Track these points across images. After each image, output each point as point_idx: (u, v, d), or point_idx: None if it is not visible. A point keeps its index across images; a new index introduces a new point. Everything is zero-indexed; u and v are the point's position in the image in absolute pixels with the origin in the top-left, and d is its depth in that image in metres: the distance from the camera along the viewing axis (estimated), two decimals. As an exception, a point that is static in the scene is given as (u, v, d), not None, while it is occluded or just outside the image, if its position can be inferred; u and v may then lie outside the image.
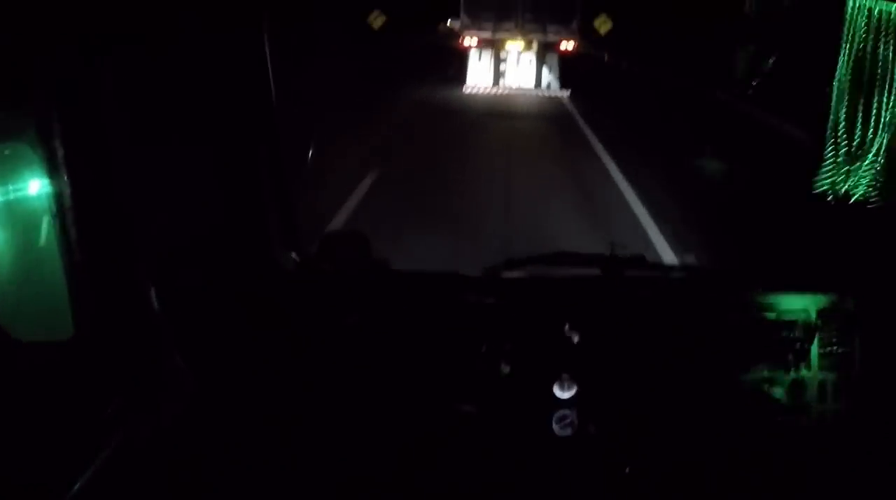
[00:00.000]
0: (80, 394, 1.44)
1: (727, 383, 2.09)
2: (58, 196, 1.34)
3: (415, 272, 2.24)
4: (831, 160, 2.23)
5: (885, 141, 2.16)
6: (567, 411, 2.01)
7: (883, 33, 2.10)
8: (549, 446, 2.03)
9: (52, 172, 1.33)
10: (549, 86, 20.73)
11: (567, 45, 20.34)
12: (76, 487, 1.28)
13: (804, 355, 2.13)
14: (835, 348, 2.16)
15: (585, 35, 20.81)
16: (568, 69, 20.68)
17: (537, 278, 2.29)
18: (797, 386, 2.12)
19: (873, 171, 2.20)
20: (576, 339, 2.04)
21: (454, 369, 2.02)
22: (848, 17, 2.13)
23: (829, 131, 2.22)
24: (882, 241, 2.26)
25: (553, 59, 20.78)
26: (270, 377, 1.95)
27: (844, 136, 2.20)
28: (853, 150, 2.22)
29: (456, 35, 21.60)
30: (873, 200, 2.21)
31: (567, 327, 2.04)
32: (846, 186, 2.25)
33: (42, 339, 1.43)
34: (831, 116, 2.22)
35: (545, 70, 20.75)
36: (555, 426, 2.02)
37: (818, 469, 2.08)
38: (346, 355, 2.02)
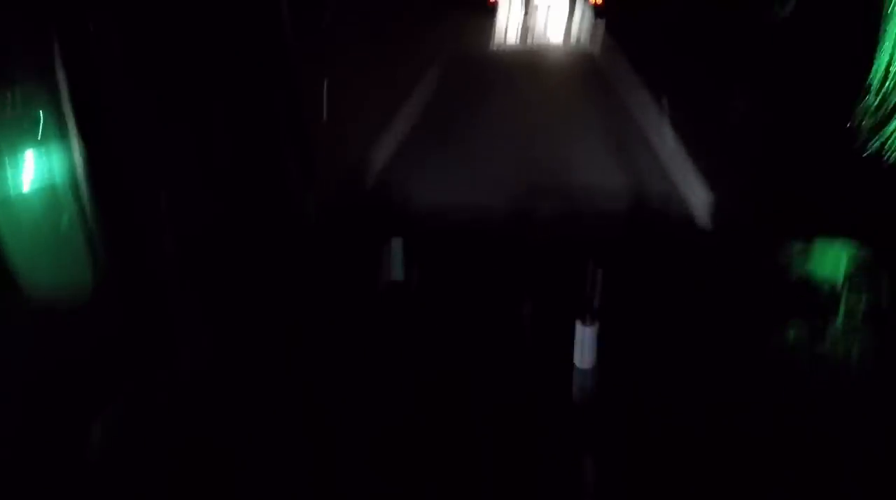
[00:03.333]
0: (99, 342, 1.47)
1: (752, 329, 2.10)
2: (71, 143, 1.36)
3: (435, 205, 2.24)
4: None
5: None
6: (586, 378, 2.03)
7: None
8: (569, 377, 2.04)
9: (66, 116, 1.35)
10: (578, 40, 20.53)
11: None
12: (88, 431, 1.31)
13: (832, 310, 2.13)
14: (862, 299, 2.15)
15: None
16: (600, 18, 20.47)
17: (563, 213, 2.30)
18: (823, 336, 2.11)
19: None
20: (601, 277, 2.05)
21: (474, 307, 2.04)
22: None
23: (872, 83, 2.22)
24: None
25: (583, 6, 20.60)
26: (287, 329, 1.97)
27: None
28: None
29: None
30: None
31: (591, 264, 2.05)
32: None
33: (61, 289, 1.45)
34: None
35: (575, 23, 20.57)
36: (575, 392, 2.03)
37: (838, 421, 2.08)
38: (365, 302, 2.04)
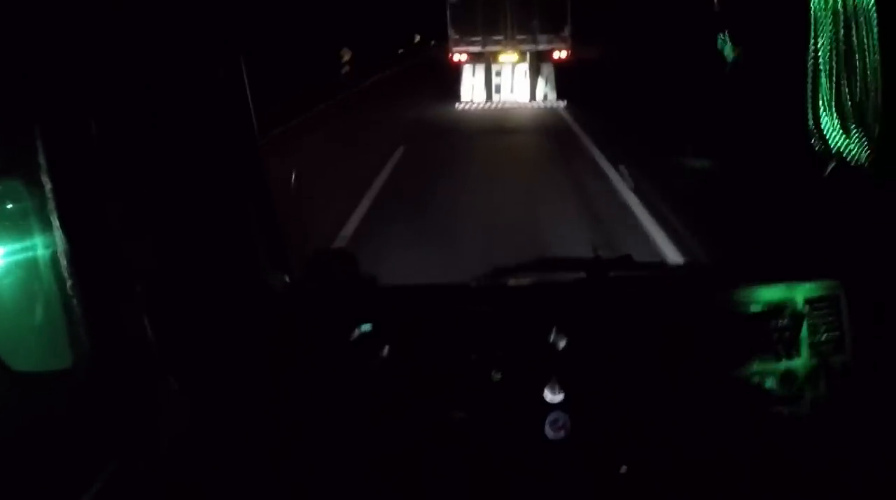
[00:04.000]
0: (79, 421, 1.54)
1: (718, 377, 2.17)
2: (51, 230, 1.43)
3: (403, 286, 2.34)
4: (829, 128, 2.31)
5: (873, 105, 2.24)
6: (559, 414, 2.11)
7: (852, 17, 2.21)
8: (543, 449, 2.12)
9: (44, 206, 1.42)
10: (545, 97, 20.59)
11: (560, 54, 20.19)
12: None
13: (794, 344, 2.21)
14: (824, 334, 2.24)
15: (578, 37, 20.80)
16: (563, 77, 20.50)
17: (524, 284, 2.39)
18: (789, 375, 2.20)
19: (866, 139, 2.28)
20: (562, 343, 2.14)
21: (446, 378, 2.12)
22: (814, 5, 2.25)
23: (821, 99, 2.31)
24: (863, 225, 2.34)
25: (548, 68, 20.60)
26: (265, 397, 2.04)
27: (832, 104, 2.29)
28: (844, 118, 2.30)
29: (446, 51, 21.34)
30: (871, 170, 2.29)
31: (554, 330, 2.14)
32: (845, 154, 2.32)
33: (42, 369, 1.52)
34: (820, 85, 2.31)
35: (540, 81, 20.61)
36: (548, 430, 2.11)
37: (814, 457, 2.17)
38: (339, 371, 2.12)
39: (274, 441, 2.02)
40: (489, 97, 20.63)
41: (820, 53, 2.31)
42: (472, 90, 20.73)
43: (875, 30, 2.10)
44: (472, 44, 20.23)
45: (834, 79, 2.32)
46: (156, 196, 1.87)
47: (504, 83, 20.76)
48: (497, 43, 20.22)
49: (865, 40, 2.22)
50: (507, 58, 20.45)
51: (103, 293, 1.53)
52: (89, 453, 1.49)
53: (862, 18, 2.23)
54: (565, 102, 20.03)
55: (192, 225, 2.00)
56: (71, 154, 1.45)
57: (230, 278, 2.06)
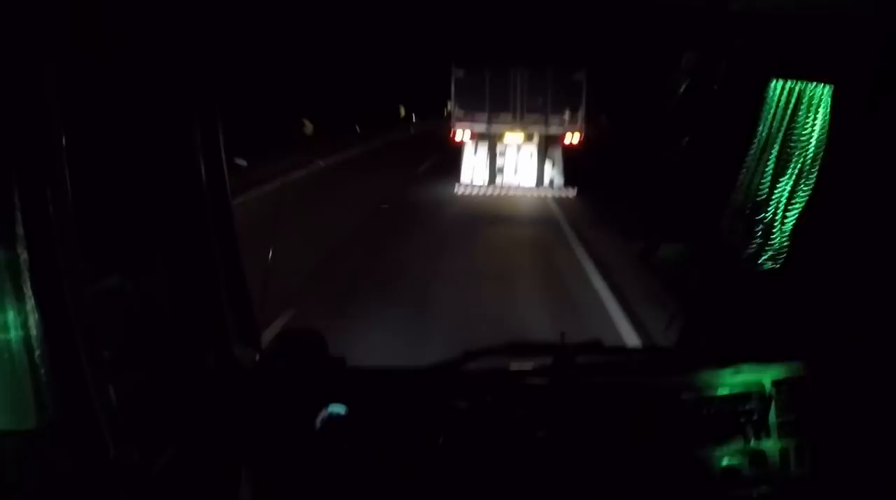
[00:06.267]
0: (38, 482, 1.63)
1: (688, 460, 2.31)
2: (22, 294, 1.50)
3: (370, 368, 2.46)
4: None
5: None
6: None
7: (804, 110, 2.44)
8: None
9: (17, 271, 1.49)
10: (551, 183, 20.29)
11: (572, 139, 19.84)
12: None
13: (762, 425, 2.35)
14: (792, 414, 2.38)
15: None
16: (570, 156, 20.16)
17: (493, 368, 2.50)
18: (759, 457, 2.34)
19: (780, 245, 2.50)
20: (529, 427, 2.25)
21: (412, 462, 2.23)
22: (769, 97, 2.47)
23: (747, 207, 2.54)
24: (827, 308, 2.50)
25: (556, 152, 20.26)
26: (227, 474, 2.15)
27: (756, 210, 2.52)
28: (766, 225, 2.52)
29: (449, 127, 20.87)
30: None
31: (521, 417, 2.26)
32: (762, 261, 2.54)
33: (4, 427, 1.62)
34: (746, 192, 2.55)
35: (548, 165, 20.32)
36: None
37: None
38: (305, 451, 2.23)
39: None
40: (492, 181, 20.25)
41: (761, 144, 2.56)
42: (472, 172, 20.35)
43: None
44: (477, 122, 19.92)
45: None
46: (128, 264, 1.99)
47: (508, 165, 20.43)
48: (504, 123, 19.91)
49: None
50: (513, 138, 20.12)
51: (71, 358, 1.63)
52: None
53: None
54: (575, 190, 19.64)
55: (162, 295, 2.12)
56: (46, 220, 1.53)
57: (198, 350, 2.17)
